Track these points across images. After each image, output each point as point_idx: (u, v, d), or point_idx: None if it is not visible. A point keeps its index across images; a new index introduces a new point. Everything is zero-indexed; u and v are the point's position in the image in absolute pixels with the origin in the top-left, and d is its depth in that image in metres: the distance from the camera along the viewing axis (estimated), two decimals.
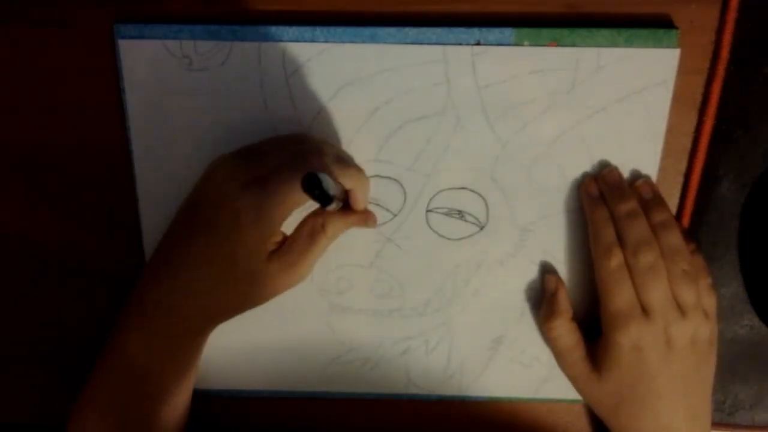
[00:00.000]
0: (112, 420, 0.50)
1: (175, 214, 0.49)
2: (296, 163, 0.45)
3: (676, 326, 0.49)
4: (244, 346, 0.57)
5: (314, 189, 0.41)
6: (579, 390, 0.54)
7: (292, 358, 0.57)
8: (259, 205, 0.44)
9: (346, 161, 0.48)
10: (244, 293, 0.48)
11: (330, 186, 0.43)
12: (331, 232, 0.49)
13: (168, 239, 0.49)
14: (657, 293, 0.49)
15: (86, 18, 0.50)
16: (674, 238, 0.50)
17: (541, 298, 0.56)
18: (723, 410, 0.58)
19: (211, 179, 0.46)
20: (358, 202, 0.50)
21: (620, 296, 0.49)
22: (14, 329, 0.58)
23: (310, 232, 0.48)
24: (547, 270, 0.55)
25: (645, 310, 0.49)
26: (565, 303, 0.54)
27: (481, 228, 0.54)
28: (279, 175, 0.45)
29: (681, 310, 0.49)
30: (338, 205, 0.47)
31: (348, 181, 0.47)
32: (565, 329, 0.54)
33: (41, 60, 0.51)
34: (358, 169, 0.49)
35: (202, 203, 0.47)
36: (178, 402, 0.52)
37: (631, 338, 0.49)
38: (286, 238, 0.49)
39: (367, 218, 0.51)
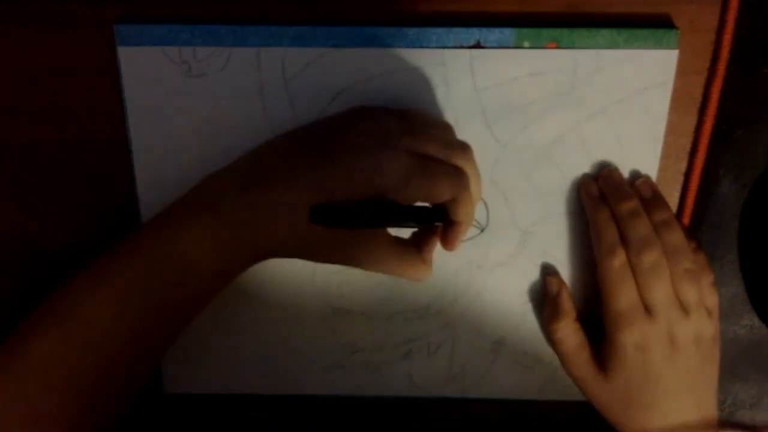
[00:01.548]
0: (132, 297, 0.44)
1: (287, 133, 0.48)
2: (462, 180, 0.44)
3: (680, 325, 0.49)
4: (246, 349, 0.57)
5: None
6: (586, 393, 0.54)
7: (294, 360, 0.57)
8: (404, 178, 0.42)
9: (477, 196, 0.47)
10: (325, 241, 0.44)
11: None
12: (428, 258, 0.48)
13: (270, 151, 0.46)
14: (660, 292, 0.49)
15: (86, 18, 0.50)
16: (676, 237, 0.50)
17: (544, 300, 0.56)
18: (723, 410, 0.58)
19: (358, 125, 0.45)
20: (456, 238, 0.48)
21: (623, 296, 0.49)
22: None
23: (413, 254, 0.47)
24: (548, 272, 0.55)
25: (648, 310, 0.49)
26: (568, 304, 0.54)
27: (482, 230, 0.54)
28: (436, 174, 0.43)
29: (684, 308, 0.49)
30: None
31: (465, 216, 0.46)
32: (570, 330, 0.54)
33: (41, 60, 0.51)
34: (466, 188, 0.45)
35: (335, 139, 0.44)
36: (206, 302, 0.47)
37: (635, 338, 0.49)
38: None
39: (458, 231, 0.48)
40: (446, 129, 0.49)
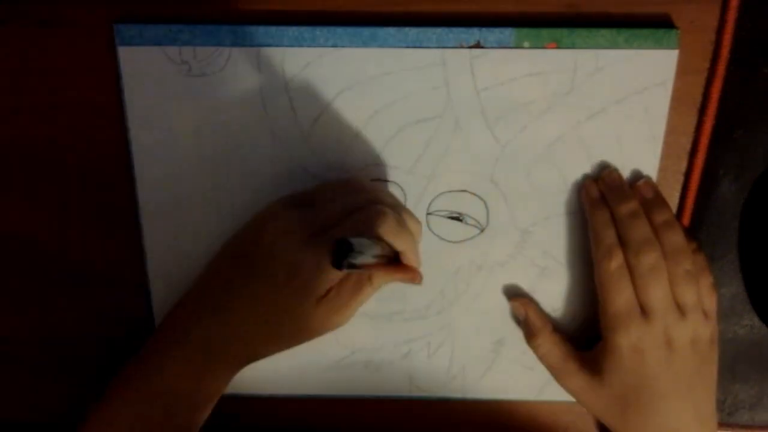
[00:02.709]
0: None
1: (222, 250, 0.51)
2: (354, 223, 0.46)
3: (676, 327, 0.49)
4: None
5: (343, 257, 0.40)
6: (582, 401, 0.54)
7: (294, 361, 0.57)
8: (318, 262, 0.45)
9: (401, 223, 0.48)
10: (289, 335, 0.49)
11: (365, 253, 0.42)
12: (377, 283, 0.49)
13: (216, 277, 0.50)
14: (657, 294, 0.49)
15: (86, 18, 0.50)
16: (677, 238, 0.50)
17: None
18: (723, 410, 0.58)
19: (268, 230, 0.47)
20: (409, 261, 0.49)
21: (620, 298, 0.49)
22: (14, 329, 0.58)
23: (357, 280, 0.49)
24: (512, 294, 0.56)
25: (644, 312, 0.49)
26: (539, 320, 0.55)
27: (482, 230, 0.54)
28: (333, 233, 0.46)
29: (681, 310, 0.49)
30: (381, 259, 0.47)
31: (400, 244, 0.48)
32: (550, 344, 0.54)
33: (41, 60, 0.51)
34: (410, 232, 0.49)
35: (257, 251, 0.47)
36: (195, 427, 0.52)
37: (631, 340, 0.49)
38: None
39: (413, 277, 0.50)
40: (350, 188, 0.50)
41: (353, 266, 0.41)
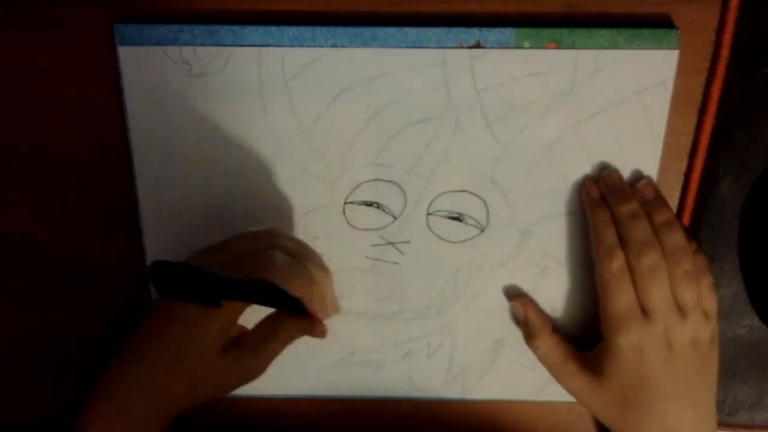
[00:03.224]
0: None
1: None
2: (248, 267, 0.47)
3: (676, 328, 0.49)
4: None
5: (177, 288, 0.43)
6: (583, 403, 0.54)
7: (294, 361, 0.57)
8: (204, 311, 0.47)
9: (296, 269, 0.48)
10: (200, 384, 0.49)
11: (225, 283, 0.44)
12: (283, 335, 0.51)
13: (139, 327, 0.50)
14: (657, 295, 0.49)
15: (86, 18, 0.50)
16: (677, 239, 0.50)
17: (547, 299, 0.56)
18: (723, 410, 0.58)
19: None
20: (310, 310, 0.50)
21: (620, 298, 0.49)
22: (14, 329, 0.58)
23: (265, 332, 0.50)
24: (512, 294, 0.56)
25: (645, 312, 0.49)
26: (539, 321, 0.55)
27: (482, 230, 0.54)
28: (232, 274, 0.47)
29: (681, 311, 0.49)
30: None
31: (294, 290, 0.47)
32: (549, 344, 0.54)
33: (41, 60, 0.51)
34: (310, 279, 0.49)
35: (159, 303, 0.49)
36: None
37: (632, 340, 0.49)
38: (244, 333, 0.51)
39: (314, 328, 0.52)
40: (253, 238, 0.50)
41: (178, 294, 0.44)
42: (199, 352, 0.48)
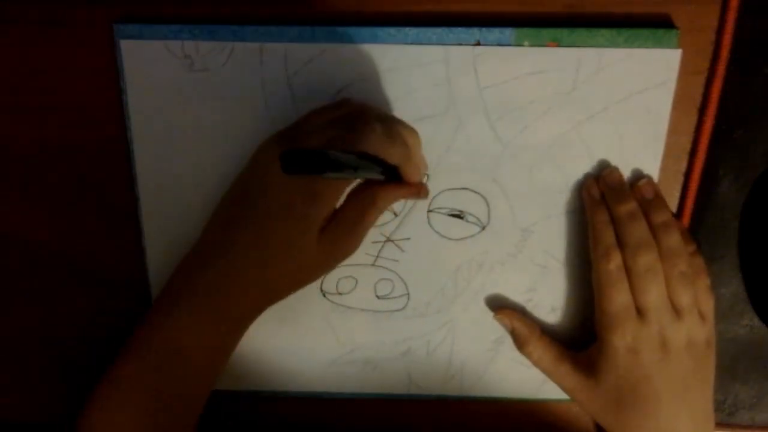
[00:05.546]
0: (146, 401, 0.47)
1: (222, 198, 0.49)
2: (342, 135, 0.44)
3: (671, 328, 0.49)
4: (245, 346, 0.56)
5: (301, 167, 0.38)
6: (579, 402, 0.54)
7: (293, 358, 0.57)
8: (311, 188, 0.45)
9: (392, 134, 0.45)
10: (297, 273, 0.48)
11: (338, 159, 0.40)
12: (382, 204, 0.48)
13: (216, 223, 0.48)
14: (653, 295, 0.49)
15: (86, 18, 0.50)
16: (673, 240, 0.50)
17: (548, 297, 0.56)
18: (723, 410, 0.58)
19: (259, 162, 0.47)
20: (408, 176, 0.47)
21: (616, 298, 0.50)
22: (14, 329, 0.58)
23: (360, 205, 0.47)
24: (494, 305, 0.56)
25: (640, 312, 0.49)
26: (526, 328, 0.55)
27: (483, 228, 0.54)
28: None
29: (676, 312, 0.49)
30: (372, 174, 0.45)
31: (394, 157, 0.45)
32: (540, 349, 0.54)
33: (41, 60, 0.51)
34: (404, 144, 0.46)
35: (251, 188, 0.47)
36: (211, 385, 0.50)
37: (627, 340, 0.49)
38: (336, 211, 0.48)
39: (419, 191, 0.49)
40: (336, 107, 0.48)
41: (306, 171, 0.39)
42: (301, 241, 0.46)
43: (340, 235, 0.47)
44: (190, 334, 0.47)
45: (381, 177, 0.46)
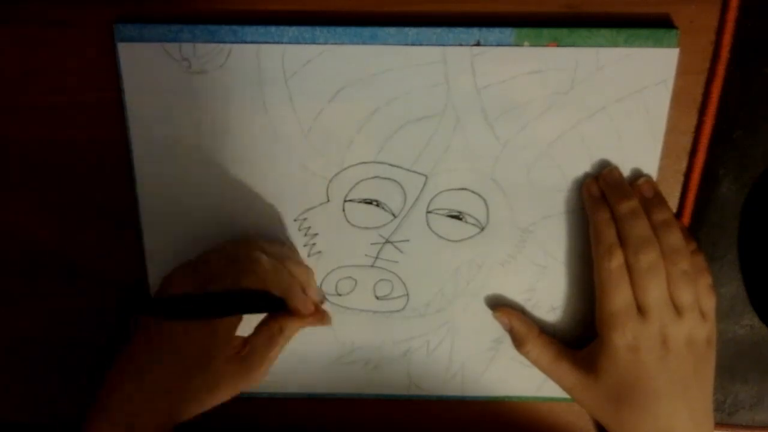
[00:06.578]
0: None
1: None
2: (233, 273, 0.47)
3: (672, 327, 0.49)
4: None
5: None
6: (578, 400, 0.54)
7: (293, 359, 0.57)
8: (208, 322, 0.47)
9: (277, 269, 0.49)
10: (206, 393, 0.49)
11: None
12: (288, 333, 0.51)
13: (134, 343, 0.49)
14: (654, 293, 0.49)
15: (86, 18, 0.50)
16: (675, 238, 0.50)
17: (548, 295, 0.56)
18: (723, 410, 0.58)
19: (163, 290, 0.49)
20: (293, 307, 0.50)
21: (617, 297, 0.49)
22: (14, 329, 0.58)
23: (269, 335, 0.51)
24: (494, 304, 0.56)
25: (641, 311, 0.49)
26: (524, 327, 0.55)
27: (482, 229, 0.54)
28: (216, 286, 0.47)
29: (677, 310, 0.49)
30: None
31: (277, 290, 0.49)
32: (539, 348, 0.54)
33: (41, 60, 0.51)
34: (292, 277, 0.50)
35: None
36: None
37: (627, 339, 0.49)
38: (246, 340, 0.51)
39: (321, 318, 0.53)
40: (235, 245, 0.51)
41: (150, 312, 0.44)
42: (206, 365, 0.48)
43: (250, 363, 0.50)
44: None
45: (270, 311, 0.50)
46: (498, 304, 0.56)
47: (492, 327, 0.56)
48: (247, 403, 0.59)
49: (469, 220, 0.54)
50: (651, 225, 0.50)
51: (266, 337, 0.50)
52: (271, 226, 0.51)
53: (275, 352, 0.51)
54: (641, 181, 0.52)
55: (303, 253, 0.55)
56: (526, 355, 0.55)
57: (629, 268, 0.49)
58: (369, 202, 0.53)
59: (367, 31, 0.49)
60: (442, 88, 0.50)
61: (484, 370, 0.58)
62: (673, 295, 0.49)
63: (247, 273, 0.48)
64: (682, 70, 0.50)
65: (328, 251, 0.54)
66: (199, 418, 0.49)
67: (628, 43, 0.49)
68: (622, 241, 0.50)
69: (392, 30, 0.49)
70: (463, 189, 0.53)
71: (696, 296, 0.50)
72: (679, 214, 0.54)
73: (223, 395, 0.50)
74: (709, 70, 0.50)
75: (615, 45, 0.49)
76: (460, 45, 0.49)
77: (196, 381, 0.48)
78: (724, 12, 0.49)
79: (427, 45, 0.49)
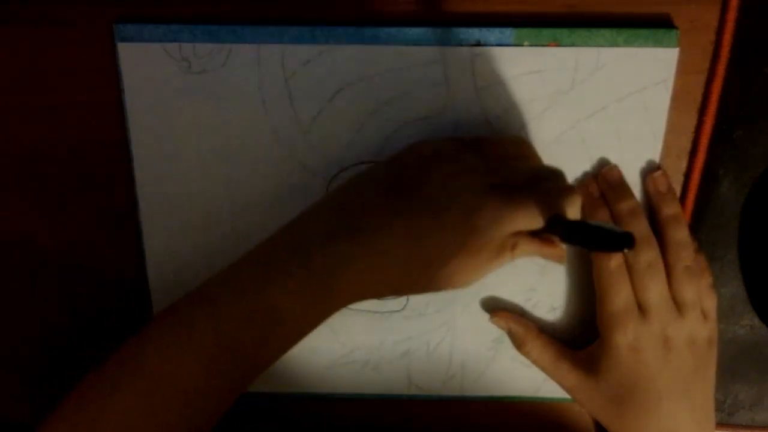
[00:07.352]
0: (225, 359, 0.43)
1: (365, 177, 0.46)
2: (547, 195, 0.43)
3: (674, 326, 0.49)
4: None
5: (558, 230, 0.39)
6: (579, 400, 0.54)
7: (293, 359, 0.57)
8: (499, 214, 0.42)
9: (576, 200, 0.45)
10: (425, 278, 0.44)
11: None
12: (518, 253, 0.45)
13: (356, 200, 0.44)
14: (655, 292, 0.49)
15: (86, 18, 0.50)
16: (682, 234, 0.50)
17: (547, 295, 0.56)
18: (723, 410, 0.58)
19: (441, 167, 0.44)
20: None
21: (618, 296, 0.49)
22: (14, 329, 0.58)
23: (500, 245, 0.44)
24: (493, 305, 0.56)
25: (642, 310, 0.49)
26: (522, 328, 0.55)
27: None
28: (528, 201, 0.42)
29: (679, 309, 0.49)
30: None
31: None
32: (539, 348, 0.54)
33: (41, 60, 0.51)
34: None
35: (424, 185, 0.43)
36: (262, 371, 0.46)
37: (629, 339, 0.49)
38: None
39: (561, 256, 0.47)
40: (522, 151, 0.48)
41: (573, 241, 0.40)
42: (449, 252, 0.43)
43: (474, 264, 0.44)
44: (291, 300, 0.42)
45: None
46: (498, 305, 0.56)
47: (492, 327, 0.56)
48: (247, 403, 0.59)
49: None
50: (660, 219, 0.50)
51: (497, 248, 0.44)
52: (271, 225, 0.50)
53: (498, 262, 0.45)
54: (657, 174, 0.52)
55: None
56: (526, 355, 0.55)
57: (628, 267, 0.50)
58: None
59: (367, 31, 0.49)
60: (441, 88, 0.50)
61: (484, 370, 0.58)
62: (675, 293, 0.49)
63: (560, 204, 0.42)
64: (682, 70, 0.50)
65: None
66: None
67: (628, 43, 0.49)
68: None
69: (392, 30, 0.49)
70: None
71: (698, 294, 0.50)
72: None
73: (435, 286, 0.44)
74: (709, 69, 0.50)
75: (615, 45, 0.49)
76: (460, 45, 0.49)
77: (430, 259, 0.42)
78: (724, 12, 0.49)
79: (427, 45, 0.49)
